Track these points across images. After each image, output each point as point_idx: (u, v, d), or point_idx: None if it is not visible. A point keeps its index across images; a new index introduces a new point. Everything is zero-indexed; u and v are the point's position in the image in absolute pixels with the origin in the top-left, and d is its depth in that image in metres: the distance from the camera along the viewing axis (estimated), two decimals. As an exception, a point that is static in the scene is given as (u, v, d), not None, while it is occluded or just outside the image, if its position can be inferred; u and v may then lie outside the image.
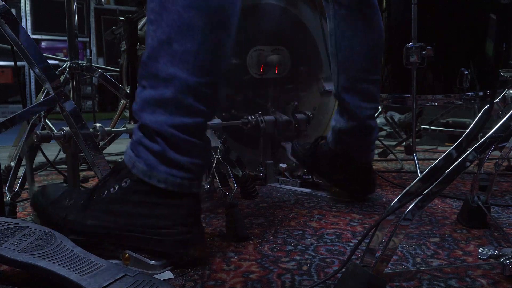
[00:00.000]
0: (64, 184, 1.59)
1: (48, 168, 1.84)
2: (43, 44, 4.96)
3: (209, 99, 0.87)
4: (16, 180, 1.24)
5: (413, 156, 1.59)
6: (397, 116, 2.86)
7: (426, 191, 0.75)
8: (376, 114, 1.40)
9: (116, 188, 0.88)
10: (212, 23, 0.84)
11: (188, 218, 0.87)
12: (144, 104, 0.87)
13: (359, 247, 0.75)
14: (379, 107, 2.27)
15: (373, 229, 0.76)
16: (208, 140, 0.92)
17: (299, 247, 0.99)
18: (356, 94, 1.32)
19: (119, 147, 2.41)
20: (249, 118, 1.55)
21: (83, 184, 1.58)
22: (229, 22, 0.86)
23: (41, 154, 1.41)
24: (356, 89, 1.32)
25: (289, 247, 0.98)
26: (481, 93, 1.66)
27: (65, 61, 1.52)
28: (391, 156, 2.15)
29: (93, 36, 5.15)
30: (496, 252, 0.81)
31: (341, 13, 1.29)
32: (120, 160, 2.02)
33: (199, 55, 0.84)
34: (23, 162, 1.23)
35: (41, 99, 1.10)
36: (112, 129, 1.29)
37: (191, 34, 0.83)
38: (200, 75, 0.84)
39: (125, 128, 1.34)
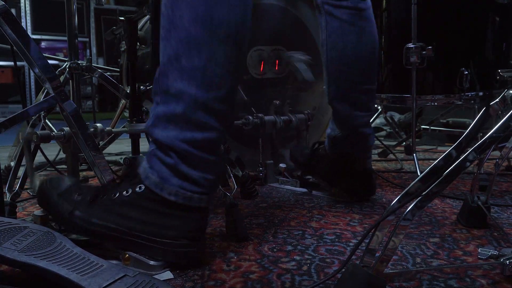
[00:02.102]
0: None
1: (48, 168, 1.84)
2: (43, 44, 4.95)
3: (220, 114, 0.87)
4: (16, 180, 1.24)
5: (413, 156, 1.59)
6: (397, 116, 2.86)
7: (426, 191, 0.75)
8: (372, 119, 1.40)
9: (129, 192, 0.88)
10: (219, 38, 0.84)
11: (192, 232, 0.88)
12: (156, 120, 0.88)
13: (359, 247, 0.75)
14: (379, 107, 2.27)
15: (373, 229, 0.76)
16: (222, 155, 0.92)
17: (299, 247, 0.99)
18: (347, 103, 1.32)
19: (119, 147, 2.41)
20: (249, 118, 1.55)
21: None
22: (237, 36, 0.86)
23: (41, 154, 1.41)
24: (347, 98, 1.31)
25: (289, 247, 0.98)
26: (481, 93, 1.66)
27: (65, 61, 1.52)
28: (391, 156, 2.15)
29: (93, 36, 5.14)
30: (496, 252, 0.81)
31: (333, 24, 1.28)
32: (120, 160, 2.02)
33: (207, 70, 0.84)
34: (23, 162, 1.23)
35: (41, 99, 1.10)
36: (112, 129, 1.29)
37: (198, 49, 0.83)
38: (209, 90, 0.85)
39: (125, 128, 1.34)
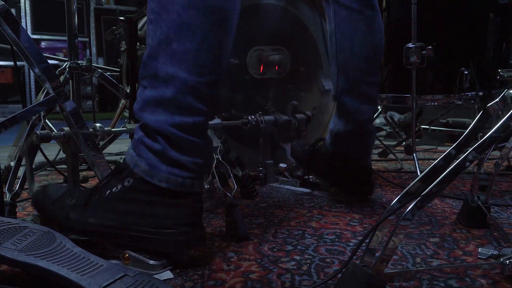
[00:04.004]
0: (65, 184, 1.59)
1: (48, 168, 1.84)
2: (43, 44, 4.96)
3: (210, 99, 0.87)
4: (16, 180, 1.24)
5: (413, 156, 1.59)
6: (397, 116, 2.86)
7: (426, 191, 0.75)
8: (375, 115, 1.40)
9: (119, 187, 0.88)
10: (211, 23, 0.84)
11: (189, 218, 0.88)
12: (144, 104, 0.87)
13: (359, 247, 0.75)
14: (379, 107, 2.27)
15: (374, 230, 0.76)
16: (210, 139, 0.92)
17: (299, 247, 0.99)
18: (355, 96, 1.31)
19: (119, 147, 2.41)
20: (249, 118, 1.55)
21: (83, 184, 1.58)
22: (228, 21, 0.86)
23: (41, 154, 1.41)
24: (356, 91, 1.31)
25: (289, 247, 0.98)
26: (481, 93, 1.66)
27: (65, 61, 1.52)
28: (391, 156, 2.15)
29: (93, 36, 5.15)
30: (496, 252, 0.81)
31: (341, 14, 1.29)
32: (120, 160, 2.02)
33: (198, 54, 0.84)
34: (23, 162, 1.23)
35: (41, 99, 1.10)
36: (112, 129, 1.29)
37: (190, 34, 0.83)
38: (200, 75, 0.85)
39: (125, 128, 1.34)
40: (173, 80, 0.84)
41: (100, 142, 1.49)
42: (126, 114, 1.86)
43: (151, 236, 0.86)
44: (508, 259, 0.79)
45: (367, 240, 0.76)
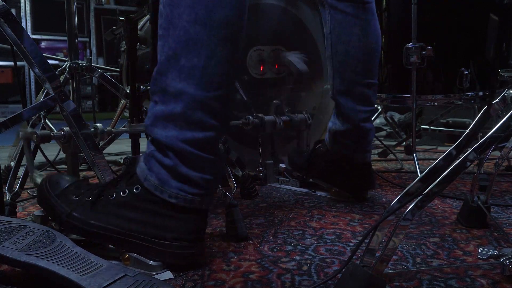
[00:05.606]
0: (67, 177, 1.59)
1: (48, 168, 1.84)
2: (43, 44, 4.95)
3: (219, 113, 0.87)
4: (16, 180, 1.24)
5: (413, 156, 1.59)
6: (397, 116, 2.86)
7: (426, 191, 0.75)
8: (373, 116, 1.41)
9: (127, 192, 0.88)
10: (218, 38, 0.84)
11: (192, 234, 0.88)
12: (155, 119, 0.87)
13: (359, 247, 0.75)
14: (379, 107, 2.27)
15: (373, 230, 0.76)
16: (221, 155, 0.92)
17: (299, 247, 0.99)
18: (351, 97, 1.33)
19: (119, 147, 2.41)
20: (249, 118, 1.55)
21: (83, 184, 1.57)
22: (235, 36, 0.86)
23: (41, 154, 1.41)
24: (351, 92, 1.33)
25: (289, 247, 0.98)
26: (481, 93, 1.66)
27: (65, 61, 1.52)
28: (391, 156, 2.15)
29: (93, 36, 5.14)
30: (496, 252, 0.81)
31: (337, 18, 1.30)
32: (120, 160, 2.02)
33: (206, 70, 0.84)
34: (23, 162, 1.23)
35: (41, 99, 1.10)
36: (112, 129, 1.29)
37: (198, 49, 0.83)
38: (209, 90, 0.85)
39: (125, 128, 1.34)
40: (182, 96, 0.84)
41: (100, 142, 1.49)
42: (126, 114, 1.85)
43: (150, 245, 0.86)
44: (508, 259, 0.79)
45: (366, 240, 0.75)
